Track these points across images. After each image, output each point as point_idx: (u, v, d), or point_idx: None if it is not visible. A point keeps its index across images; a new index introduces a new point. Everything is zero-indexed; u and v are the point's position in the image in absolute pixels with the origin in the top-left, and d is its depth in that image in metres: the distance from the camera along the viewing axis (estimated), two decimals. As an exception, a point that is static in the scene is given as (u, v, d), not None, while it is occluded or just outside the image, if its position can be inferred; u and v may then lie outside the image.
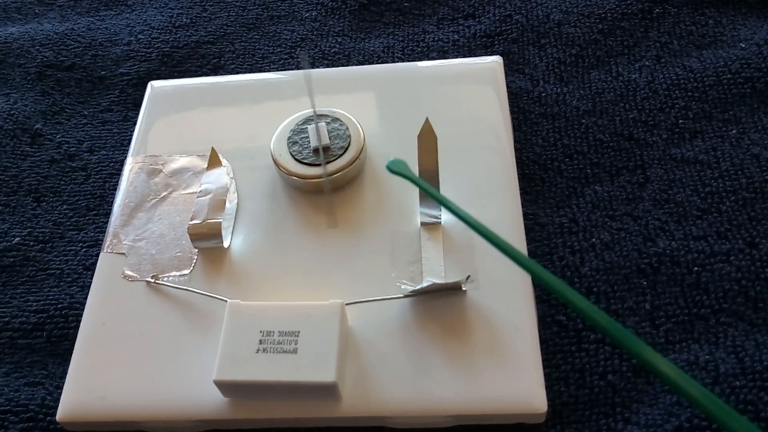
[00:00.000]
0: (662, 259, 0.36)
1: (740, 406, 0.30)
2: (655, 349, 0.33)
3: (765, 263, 0.35)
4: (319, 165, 0.38)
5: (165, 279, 0.37)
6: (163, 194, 0.40)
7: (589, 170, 0.41)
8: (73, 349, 0.35)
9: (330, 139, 0.39)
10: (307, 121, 0.40)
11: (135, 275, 0.37)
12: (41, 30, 0.54)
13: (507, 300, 0.34)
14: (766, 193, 0.38)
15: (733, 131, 0.41)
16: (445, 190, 0.37)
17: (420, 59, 0.48)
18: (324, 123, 0.39)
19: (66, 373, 0.35)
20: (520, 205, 0.37)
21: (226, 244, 0.38)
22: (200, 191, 0.39)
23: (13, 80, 0.51)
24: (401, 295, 0.34)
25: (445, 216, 0.37)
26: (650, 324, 0.34)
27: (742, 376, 0.31)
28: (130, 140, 0.44)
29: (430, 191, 0.30)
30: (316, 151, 0.38)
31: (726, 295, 0.35)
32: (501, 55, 0.45)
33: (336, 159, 0.38)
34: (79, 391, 0.34)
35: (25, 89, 0.50)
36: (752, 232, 0.37)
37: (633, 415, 0.32)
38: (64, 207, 0.44)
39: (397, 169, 0.31)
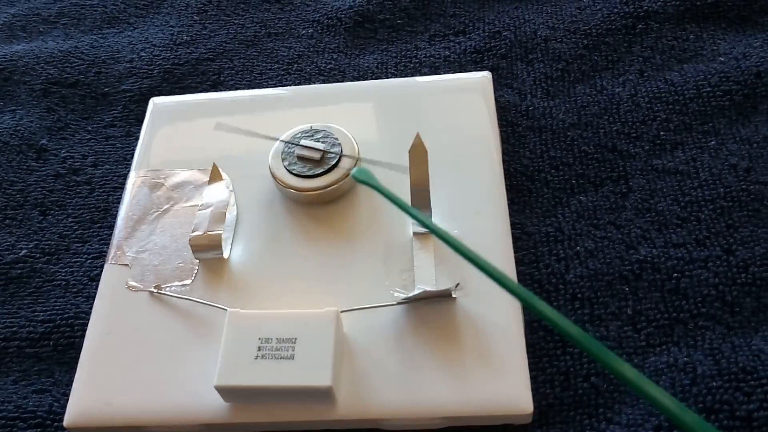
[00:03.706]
0: (643, 265, 0.38)
1: (716, 405, 0.32)
2: (637, 352, 0.35)
3: (741, 269, 0.37)
4: (313, 177, 0.40)
5: (167, 289, 0.38)
6: (165, 207, 0.42)
7: (574, 181, 0.42)
8: (79, 357, 0.36)
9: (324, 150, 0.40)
10: (305, 134, 0.41)
11: (138, 285, 0.38)
12: (46, 48, 0.56)
13: (495, 306, 0.35)
14: (744, 202, 0.39)
15: (712, 142, 0.42)
16: (436, 201, 0.39)
17: (412, 74, 0.50)
18: (314, 140, 0.41)
19: (72, 380, 0.36)
20: (507, 215, 0.39)
21: (225, 255, 0.39)
22: (201, 204, 0.40)
23: (19, 97, 0.52)
24: (394, 303, 0.36)
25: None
26: (632, 328, 0.36)
27: (718, 377, 0.33)
28: (132, 155, 0.45)
29: (395, 200, 0.30)
30: (300, 158, 0.40)
31: (704, 300, 0.36)
32: (490, 71, 0.47)
33: (330, 171, 0.40)
34: (86, 398, 0.35)
35: (31, 106, 0.52)
36: (729, 240, 0.38)
37: (615, 416, 0.33)
38: (69, 220, 0.45)
39: (362, 177, 0.31)
